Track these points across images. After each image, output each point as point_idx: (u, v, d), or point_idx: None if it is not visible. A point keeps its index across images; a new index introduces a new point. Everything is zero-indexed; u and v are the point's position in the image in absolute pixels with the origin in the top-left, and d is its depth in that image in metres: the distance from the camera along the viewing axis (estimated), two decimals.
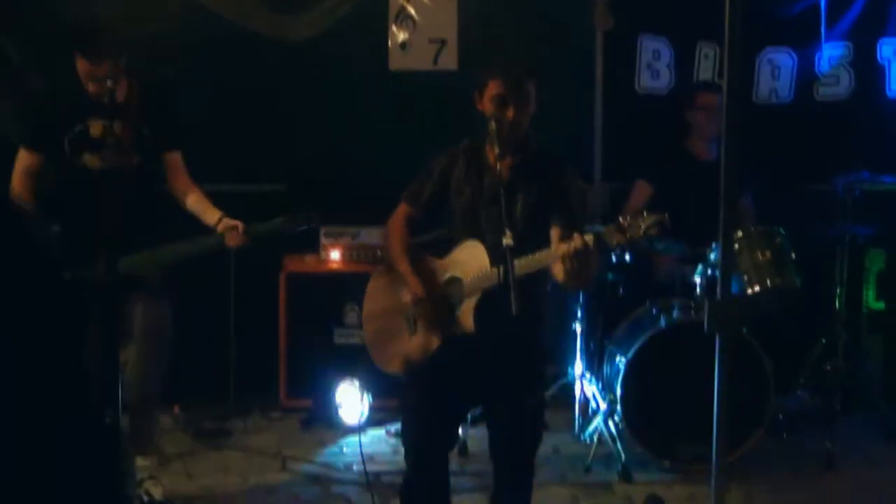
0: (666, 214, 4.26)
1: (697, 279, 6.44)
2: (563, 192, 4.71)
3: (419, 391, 4.73)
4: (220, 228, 5.68)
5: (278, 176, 7.52)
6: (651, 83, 7.73)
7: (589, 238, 4.26)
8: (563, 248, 4.29)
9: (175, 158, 5.90)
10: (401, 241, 4.94)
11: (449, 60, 7.64)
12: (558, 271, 4.37)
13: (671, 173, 6.99)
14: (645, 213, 4.26)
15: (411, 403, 4.78)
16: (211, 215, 5.76)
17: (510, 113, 4.64)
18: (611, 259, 6.74)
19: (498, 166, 4.58)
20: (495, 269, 4.46)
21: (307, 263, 7.39)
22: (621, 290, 6.91)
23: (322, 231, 7.30)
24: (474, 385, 4.68)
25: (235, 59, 7.51)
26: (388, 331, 4.90)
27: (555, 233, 4.57)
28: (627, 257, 6.77)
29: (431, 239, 5.03)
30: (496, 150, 4.59)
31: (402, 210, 4.98)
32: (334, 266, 7.33)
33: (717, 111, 6.74)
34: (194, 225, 5.88)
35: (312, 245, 7.36)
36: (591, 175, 7.75)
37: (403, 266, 4.85)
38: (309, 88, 7.65)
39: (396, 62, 7.67)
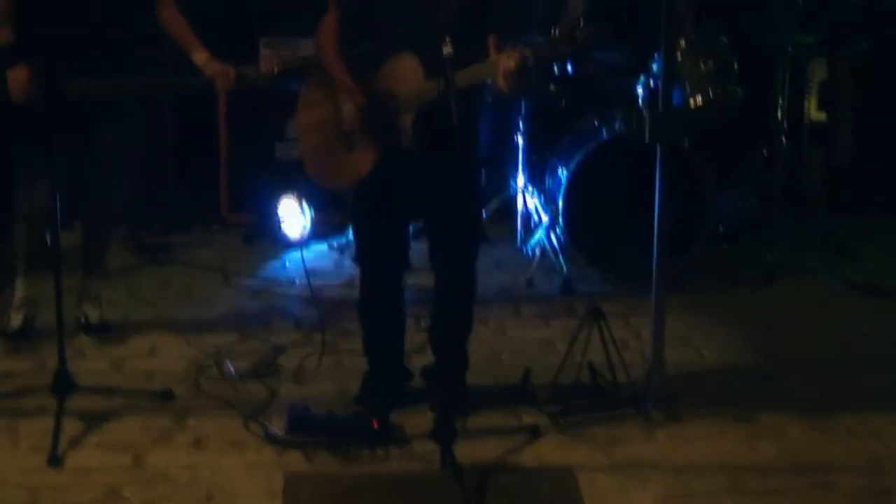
0: (606, 24, 4.18)
1: (640, 90, 6.38)
2: None
3: (366, 209, 4.72)
4: (208, 72, 5.31)
5: None
6: None
7: (528, 53, 4.18)
8: (503, 63, 4.22)
9: None
10: (335, 48, 4.72)
11: None
12: (499, 83, 4.26)
13: None
14: (582, 24, 4.16)
15: (360, 223, 4.81)
16: (198, 55, 5.36)
17: None
18: (552, 70, 6.69)
19: None
20: (433, 82, 4.30)
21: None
22: (563, 101, 6.84)
23: (261, 42, 7.07)
24: (416, 198, 4.66)
25: None
26: (325, 144, 4.77)
27: (492, 41, 4.45)
28: (569, 68, 6.73)
29: (361, 52, 4.73)
30: None
31: (331, 16, 4.73)
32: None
33: None
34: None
35: (252, 57, 7.01)
36: None
37: (341, 75, 4.65)
38: None
39: None
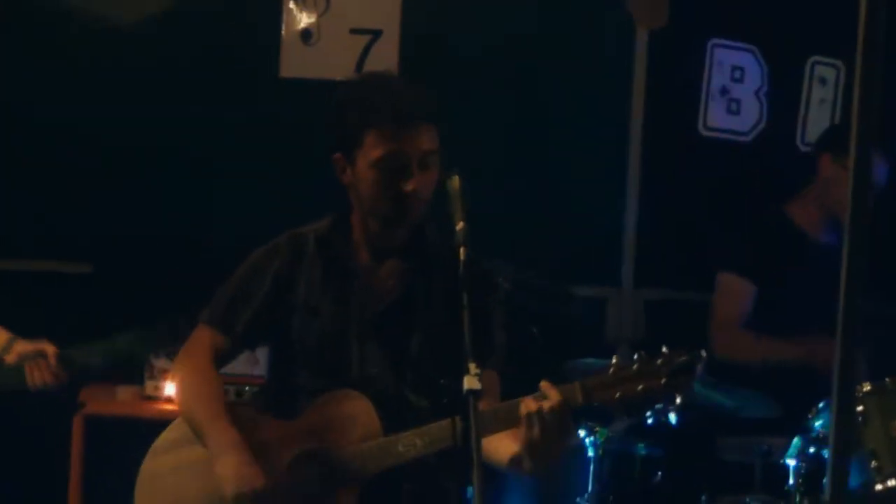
0: (703, 352, 4.34)
1: (791, 462, 6.19)
2: (484, 316, 4.70)
3: None
4: (9, 359, 5.46)
5: (81, 251, 7.46)
6: (726, 121, 7.82)
7: (574, 393, 4.29)
8: (526, 406, 4.28)
9: None
10: (210, 391, 4.79)
11: (385, 61, 7.56)
12: (509, 445, 4.39)
13: (779, 258, 7.04)
14: (666, 350, 4.31)
15: None
16: None
17: (409, 186, 4.60)
18: (642, 420, 6.38)
19: (379, 273, 4.75)
20: (392, 440, 4.49)
21: (122, 401, 7.12)
22: (659, 475, 6.88)
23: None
24: None
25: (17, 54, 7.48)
26: None
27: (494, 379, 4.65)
28: (671, 418, 6.50)
29: (268, 387, 5.14)
30: (374, 247, 4.75)
31: (205, 339, 4.86)
32: (168, 407, 6.92)
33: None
34: None
35: (132, 369, 7.04)
36: (618, 276, 7.86)
37: (222, 435, 4.65)
38: (133, 109, 7.57)
39: (292, 64, 7.64)
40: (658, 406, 4.44)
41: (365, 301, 4.71)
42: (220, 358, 4.86)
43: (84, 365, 5.57)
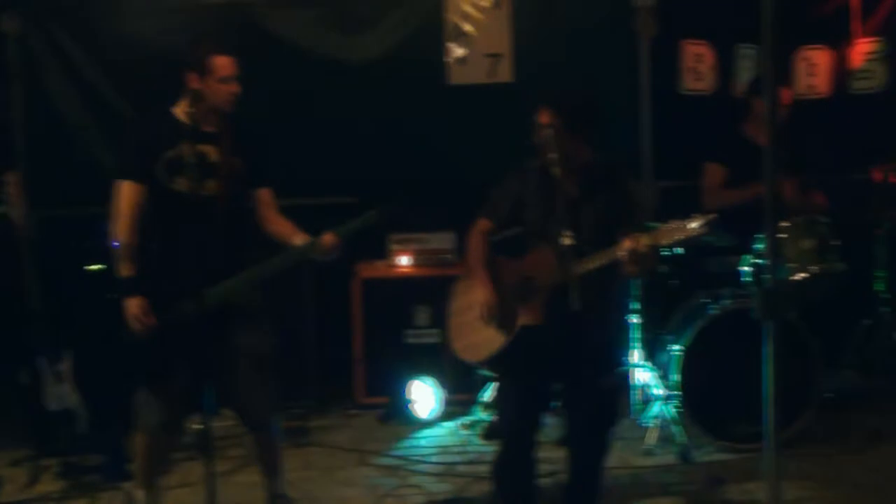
0: (715, 215, 4.49)
1: (745, 269, 6.46)
2: (625, 202, 5.00)
3: (509, 379, 5.10)
4: (323, 244, 5.16)
5: (346, 189, 7.40)
6: (695, 85, 7.89)
7: (642, 242, 4.57)
8: (621, 250, 4.61)
9: (268, 195, 5.36)
10: (480, 252, 5.22)
11: (504, 73, 7.78)
12: (626, 268, 4.65)
13: (739, 155, 6.76)
14: (694, 215, 4.51)
15: (504, 390, 5.19)
16: (298, 238, 5.21)
17: (555, 146, 4.90)
18: (663, 253, 6.57)
19: (565, 184, 4.90)
20: (560, 270, 4.77)
21: (378, 269, 7.57)
22: (677, 281, 6.91)
23: (391, 238, 7.58)
24: (553, 371, 4.99)
25: (293, 78, 7.63)
26: (468, 323, 5.18)
27: (620, 237, 4.78)
28: (679, 251, 6.80)
29: (509, 238, 5.20)
30: (563, 168, 4.90)
31: (481, 225, 5.25)
32: (404, 271, 7.58)
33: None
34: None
35: (382, 251, 7.59)
36: (639, 173, 7.62)
37: (481, 276, 5.15)
38: (372, 105, 7.72)
39: (456, 76, 7.81)
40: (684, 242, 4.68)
41: (559, 198, 4.85)
42: (489, 234, 5.20)
43: (351, 232, 5.10)
